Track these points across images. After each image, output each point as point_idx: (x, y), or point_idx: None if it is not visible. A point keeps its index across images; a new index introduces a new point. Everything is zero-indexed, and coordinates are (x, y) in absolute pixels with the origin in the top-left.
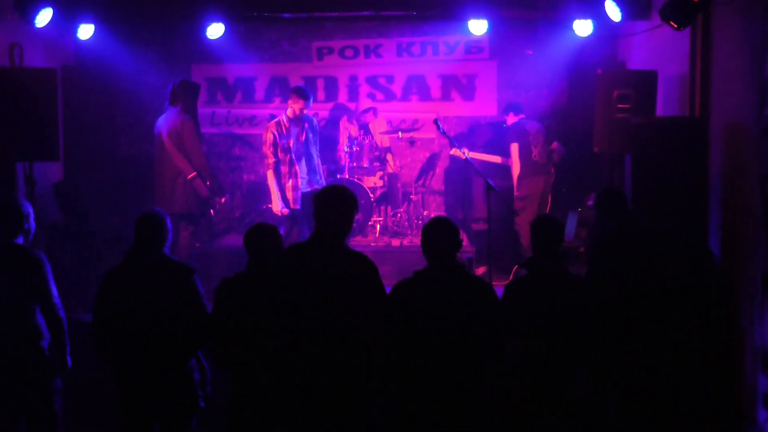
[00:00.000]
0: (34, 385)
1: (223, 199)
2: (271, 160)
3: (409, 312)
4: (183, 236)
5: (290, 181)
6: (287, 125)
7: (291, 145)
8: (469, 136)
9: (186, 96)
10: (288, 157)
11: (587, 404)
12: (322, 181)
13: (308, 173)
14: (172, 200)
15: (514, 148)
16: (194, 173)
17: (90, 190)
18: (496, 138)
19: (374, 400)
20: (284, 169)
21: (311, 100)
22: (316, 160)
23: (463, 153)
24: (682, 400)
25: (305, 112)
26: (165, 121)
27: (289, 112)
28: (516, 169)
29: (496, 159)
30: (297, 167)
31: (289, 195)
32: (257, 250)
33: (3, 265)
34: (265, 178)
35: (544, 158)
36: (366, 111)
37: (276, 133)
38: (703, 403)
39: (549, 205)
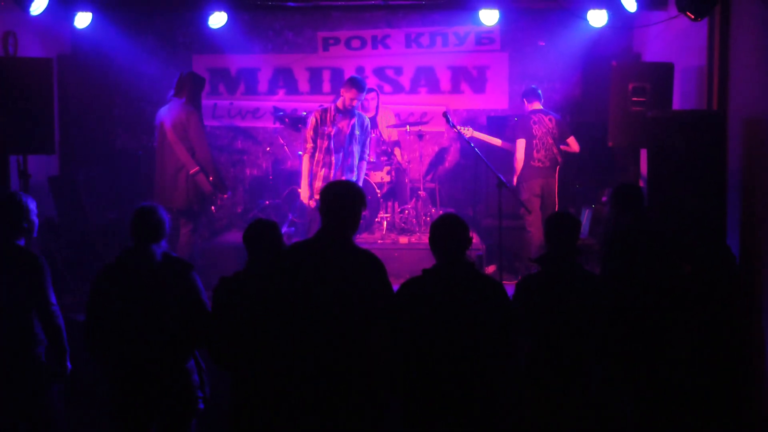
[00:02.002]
0: (30, 391)
1: (225, 196)
2: (310, 145)
3: (418, 311)
4: (183, 233)
5: (323, 170)
6: (333, 114)
7: (332, 133)
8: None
9: (193, 88)
10: (326, 145)
11: (603, 405)
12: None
13: (343, 169)
14: (173, 195)
15: (520, 144)
16: (197, 168)
17: (86, 184)
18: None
19: (384, 403)
20: (319, 156)
21: (365, 92)
22: (356, 160)
23: (468, 130)
24: (700, 401)
25: (356, 103)
26: (168, 112)
27: (339, 102)
28: (519, 166)
29: (496, 141)
30: (333, 158)
31: (318, 184)
32: (256, 248)
33: (1, 267)
34: (268, 172)
35: (546, 162)
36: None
37: (319, 118)
38: (722, 405)
39: (557, 205)
